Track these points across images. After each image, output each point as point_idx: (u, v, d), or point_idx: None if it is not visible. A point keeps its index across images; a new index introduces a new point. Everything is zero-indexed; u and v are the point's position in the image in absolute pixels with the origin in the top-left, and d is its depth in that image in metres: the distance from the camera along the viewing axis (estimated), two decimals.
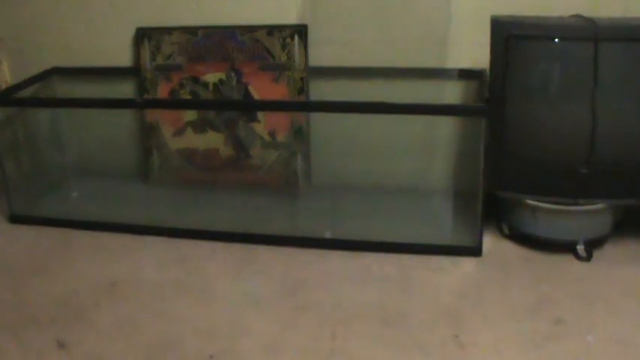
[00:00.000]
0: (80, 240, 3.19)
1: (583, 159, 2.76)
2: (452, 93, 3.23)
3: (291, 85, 3.27)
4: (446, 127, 3.26)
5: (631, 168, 2.79)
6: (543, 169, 2.83)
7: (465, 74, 3.18)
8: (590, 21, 2.70)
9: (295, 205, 3.43)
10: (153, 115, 3.48)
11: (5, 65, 3.60)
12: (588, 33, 2.64)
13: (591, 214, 2.86)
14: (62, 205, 3.51)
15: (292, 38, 3.23)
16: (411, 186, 3.40)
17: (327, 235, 3.07)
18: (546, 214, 2.86)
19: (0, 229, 3.34)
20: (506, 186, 2.90)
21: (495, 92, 2.80)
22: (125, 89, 3.53)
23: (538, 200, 2.86)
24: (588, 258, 2.87)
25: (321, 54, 3.27)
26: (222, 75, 3.34)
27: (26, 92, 3.40)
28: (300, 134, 3.36)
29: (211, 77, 3.35)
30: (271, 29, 3.25)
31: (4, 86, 3.51)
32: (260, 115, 3.36)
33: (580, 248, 2.88)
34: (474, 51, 3.10)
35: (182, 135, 3.45)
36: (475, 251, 2.94)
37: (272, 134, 3.37)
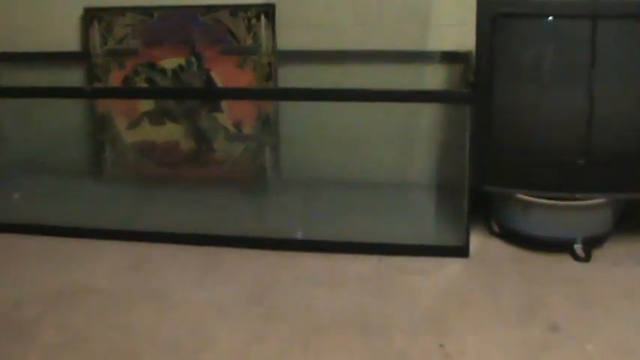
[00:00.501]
0: (24, 246, 3.11)
1: (580, 148, 2.73)
2: (434, 78, 3.19)
3: (258, 71, 3.22)
4: (428, 115, 3.22)
5: (633, 158, 2.76)
6: (536, 160, 2.79)
7: (449, 57, 3.15)
8: None
9: (264, 203, 3.38)
10: (105, 105, 3.40)
11: None
12: (585, 10, 2.60)
13: (590, 210, 2.82)
14: (3, 207, 3.43)
15: (258, 19, 3.17)
16: (390, 180, 3.36)
17: (299, 235, 3.02)
18: (540, 210, 2.82)
19: None
20: (494, 180, 2.86)
21: (482, 77, 2.75)
22: (74, 77, 3.45)
23: (530, 195, 2.82)
24: (587, 258, 2.83)
25: (291, 36, 3.22)
26: (181, 60, 3.28)
27: None
28: (268, 125, 3.30)
29: (169, 63, 3.29)
30: (235, 9, 3.19)
31: None
32: (224, 104, 3.30)
33: (578, 247, 2.84)
34: (458, 32, 3.06)
35: (138, 127, 3.38)
36: (461, 251, 2.89)
37: (237, 125, 3.31)
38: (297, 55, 3.24)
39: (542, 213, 2.83)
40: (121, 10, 3.27)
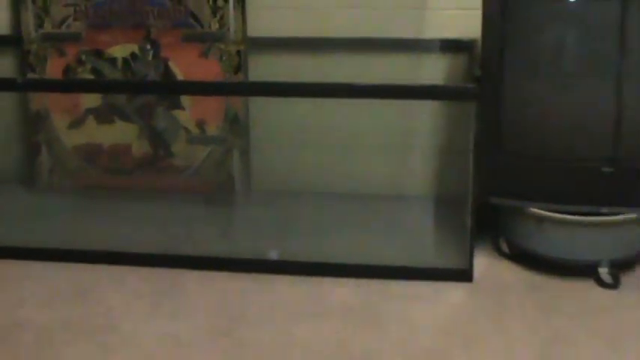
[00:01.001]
0: None
1: (606, 154, 2.53)
2: (433, 70, 3.01)
3: (225, 61, 3.01)
4: (426, 115, 3.03)
5: None
6: (552, 168, 2.59)
7: (451, 46, 2.97)
8: None
9: (231, 218, 3.16)
10: (41, 100, 3.17)
11: None
12: None
13: (617, 227, 2.61)
14: None
15: (226, 0, 2.96)
16: (381, 191, 3.16)
17: (272, 255, 2.81)
18: (557, 227, 2.61)
19: None
20: (503, 190, 2.66)
21: (489, 69, 2.55)
22: (2, 66, 3.23)
23: (545, 209, 2.61)
24: (615, 284, 2.63)
25: (265, 21, 3.01)
26: (134, 47, 3.07)
27: None
28: (236, 125, 3.10)
29: (120, 50, 3.08)
30: None
31: None
32: (185, 100, 3.08)
33: (603, 272, 2.64)
34: (461, 16, 2.90)
35: (81, 127, 3.16)
36: (464, 275, 2.69)
37: (200, 125, 3.10)
38: (272, 42, 3.04)
39: (560, 231, 2.62)
40: None
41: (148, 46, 3.04)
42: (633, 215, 2.60)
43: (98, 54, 3.08)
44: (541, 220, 2.62)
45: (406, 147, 3.10)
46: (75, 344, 2.41)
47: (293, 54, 3.04)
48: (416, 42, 2.96)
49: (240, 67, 3.01)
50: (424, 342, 2.42)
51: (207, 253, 2.81)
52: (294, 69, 3.01)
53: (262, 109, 3.08)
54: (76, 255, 2.83)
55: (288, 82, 2.71)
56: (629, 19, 2.38)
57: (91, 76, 3.10)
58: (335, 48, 3.00)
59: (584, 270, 2.67)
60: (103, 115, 3.12)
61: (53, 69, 3.10)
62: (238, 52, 3.00)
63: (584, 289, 2.64)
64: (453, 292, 2.67)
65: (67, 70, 3.10)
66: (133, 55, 3.06)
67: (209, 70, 3.01)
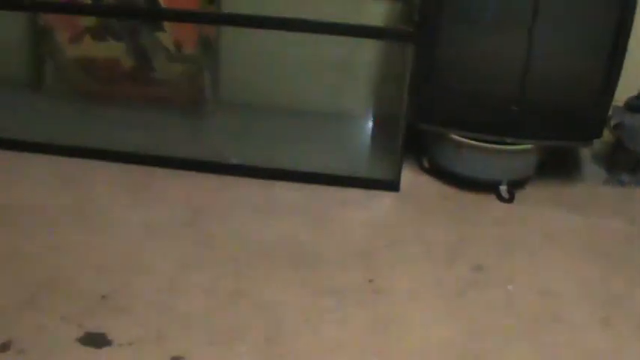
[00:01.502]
0: None
1: (515, 95, 2.52)
2: (375, 10, 2.88)
3: None
4: (369, 48, 2.93)
5: (563, 108, 2.57)
6: (472, 103, 2.57)
7: None
8: None
9: (200, 125, 3.05)
10: (46, 17, 2.99)
11: None
12: None
13: (518, 155, 2.63)
14: None
15: None
16: (327, 108, 3.06)
17: (233, 160, 2.73)
18: (471, 151, 2.61)
19: None
20: (430, 118, 2.62)
21: (426, 15, 2.48)
22: None
23: (464, 136, 2.60)
24: (511, 199, 2.65)
25: None
26: None
27: None
28: (208, 47, 2.98)
29: None
30: None
31: None
32: (166, 24, 2.93)
33: (503, 189, 2.66)
34: None
35: (80, 42, 2.98)
36: (393, 186, 2.67)
37: (178, 45, 2.96)
38: None
39: (473, 154, 2.61)
40: None
41: None
42: (530, 146, 2.62)
43: None
44: (459, 145, 2.61)
45: (350, 73, 3.00)
46: (69, 227, 2.37)
47: None
48: None
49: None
50: (358, 239, 2.45)
51: (179, 155, 2.72)
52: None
53: (231, 34, 2.96)
54: (70, 150, 2.72)
55: (253, 15, 2.57)
56: None
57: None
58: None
59: (488, 187, 2.68)
60: (98, 34, 2.96)
61: None
62: None
63: (486, 202, 2.66)
64: (383, 199, 2.67)
65: None
66: None
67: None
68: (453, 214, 2.59)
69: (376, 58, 2.98)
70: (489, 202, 2.66)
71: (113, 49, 2.98)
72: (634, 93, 2.79)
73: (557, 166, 2.85)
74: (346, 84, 3.02)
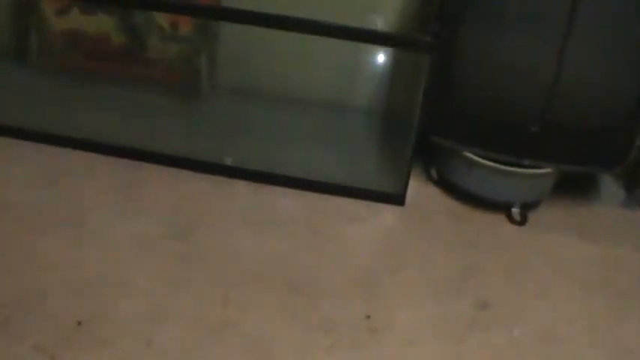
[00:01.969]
0: None
1: (536, 115, 2.30)
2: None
3: None
4: (384, 51, 2.68)
5: (587, 131, 2.35)
6: (489, 120, 2.35)
7: None
8: None
9: (194, 114, 2.80)
10: None
11: None
12: None
13: (534, 178, 2.43)
14: None
15: None
16: (331, 100, 2.82)
17: (228, 161, 2.53)
18: (484, 171, 2.41)
19: None
20: (443, 132, 2.41)
21: (446, 24, 2.24)
22: None
23: (477, 154, 2.40)
24: (522, 222, 2.47)
25: None
26: None
27: None
28: (207, 30, 2.73)
29: None
30: None
31: None
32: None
33: (515, 211, 2.48)
34: None
35: (67, 14, 2.73)
36: (398, 199, 2.47)
37: (174, 25, 2.71)
38: None
39: (486, 174, 2.41)
40: None
41: None
42: (548, 170, 2.42)
43: None
44: (472, 163, 2.41)
45: (362, 69, 2.77)
46: (50, 233, 2.18)
47: None
48: None
49: None
50: (359, 263, 2.27)
51: (171, 151, 2.51)
52: None
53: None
54: (51, 138, 2.50)
55: (256, 12, 2.29)
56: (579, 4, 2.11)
57: None
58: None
59: (499, 206, 2.50)
60: (86, 7, 2.69)
61: None
62: None
63: (497, 223, 2.48)
64: (387, 214, 2.47)
65: None
66: None
67: None
68: (460, 236, 2.40)
69: (391, 59, 2.73)
70: (500, 223, 2.48)
71: (103, 24, 2.72)
72: None
73: (573, 183, 2.64)
74: (355, 79, 2.78)
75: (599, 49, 2.22)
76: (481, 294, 2.19)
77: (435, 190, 2.58)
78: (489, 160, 2.38)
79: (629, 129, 2.36)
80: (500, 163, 2.38)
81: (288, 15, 2.24)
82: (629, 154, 2.41)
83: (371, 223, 2.44)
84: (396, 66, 2.72)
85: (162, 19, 2.69)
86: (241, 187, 2.47)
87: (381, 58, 2.70)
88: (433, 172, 2.59)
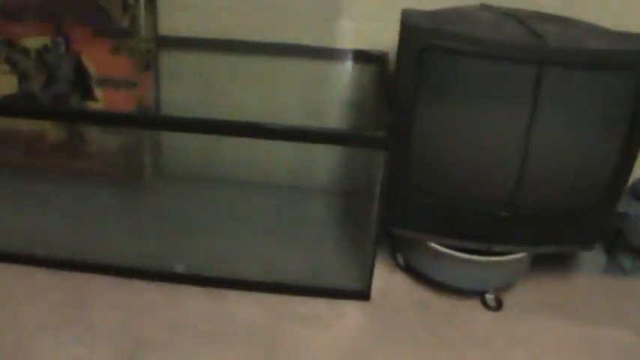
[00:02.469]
0: None
1: (505, 199, 2.11)
2: (345, 76, 2.45)
3: (135, 58, 2.40)
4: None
5: (561, 211, 2.17)
6: (454, 208, 2.16)
7: (362, 56, 2.41)
8: (536, 36, 1.95)
9: (141, 211, 2.57)
10: None
11: None
12: (532, 54, 1.91)
13: (507, 264, 2.23)
14: None
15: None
16: (289, 183, 2.62)
17: (179, 268, 2.31)
18: (452, 262, 2.21)
19: None
20: (404, 223, 2.21)
21: (402, 117, 2.03)
22: None
23: (443, 243, 2.20)
24: (498, 307, 2.28)
25: (176, 21, 2.39)
26: (46, 40, 2.41)
27: None
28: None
29: (33, 42, 2.42)
30: None
31: None
32: (98, 91, 2.46)
33: (489, 297, 2.28)
34: (374, 29, 2.35)
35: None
36: (363, 295, 2.27)
37: None
38: (183, 42, 2.43)
39: (455, 265, 2.21)
40: None
41: (60, 39, 2.40)
42: (522, 254, 2.23)
43: (11, 44, 2.43)
44: (438, 254, 2.21)
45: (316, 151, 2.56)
46: None
47: (204, 54, 2.44)
48: (328, 51, 2.39)
49: (149, 65, 2.42)
50: None
51: (118, 260, 2.30)
52: (206, 66, 2.45)
53: (173, 98, 2.50)
54: None
55: (195, 118, 2.06)
56: (543, 83, 1.91)
57: (5, 66, 2.46)
58: (247, 50, 2.42)
59: (472, 293, 2.30)
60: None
61: None
62: (149, 50, 2.41)
63: (470, 311, 2.27)
64: (351, 313, 2.25)
65: None
66: (45, 47, 2.42)
67: (120, 65, 2.41)
68: (432, 332, 2.18)
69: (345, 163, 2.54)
70: (474, 310, 2.27)
71: (39, 123, 2.52)
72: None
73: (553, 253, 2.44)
74: (312, 160, 2.58)
75: (568, 125, 2.02)
76: None
77: (402, 278, 2.38)
78: (457, 249, 2.19)
79: (605, 205, 2.18)
80: (469, 251, 2.20)
81: (232, 120, 2.02)
82: (609, 229, 2.22)
83: (335, 325, 2.21)
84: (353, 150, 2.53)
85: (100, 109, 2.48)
86: (194, 294, 2.26)
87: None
88: (400, 258, 2.39)
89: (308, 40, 2.36)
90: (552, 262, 2.45)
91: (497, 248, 2.18)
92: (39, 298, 2.22)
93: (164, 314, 2.20)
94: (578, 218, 2.18)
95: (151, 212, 2.54)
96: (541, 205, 2.13)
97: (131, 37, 2.37)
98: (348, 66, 2.40)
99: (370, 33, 2.33)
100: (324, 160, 2.57)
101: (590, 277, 2.45)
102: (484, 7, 2.16)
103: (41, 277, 2.28)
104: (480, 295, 2.29)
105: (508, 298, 2.31)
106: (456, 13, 2.07)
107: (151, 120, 2.30)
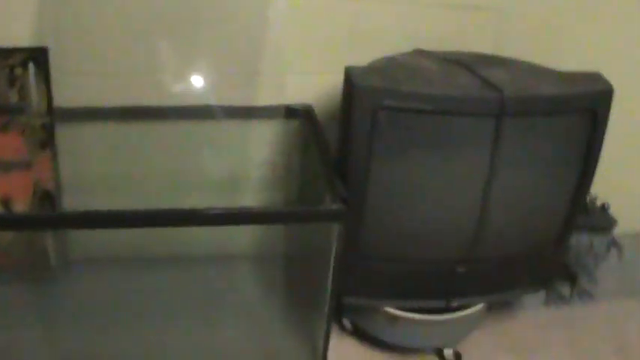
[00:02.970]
0: None
1: (461, 256, 1.99)
2: (268, 136, 2.22)
3: (29, 136, 2.06)
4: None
5: (513, 259, 2.08)
6: (411, 271, 2.01)
7: (285, 112, 2.18)
8: (491, 86, 1.83)
9: (49, 302, 2.21)
10: None
11: None
12: (492, 105, 1.78)
13: (466, 319, 2.11)
14: None
15: (25, 68, 1.99)
16: (216, 252, 2.34)
17: None
18: (408, 324, 2.06)
19: None
20: (358, 291, 2.03)
21: (354, 184, 1.84)
22: None
23: (397, 306, 2.05)
24: None
25: (72, 89, 2.04)
26: None
27: None
28: (48, 202, 2.16)
29: None
30: None
31: None
32: None
33: (448, 353, 2.16)
34: (296, 83, 2.14)
35: None
36: None
37: (6, 203, 2.12)
38: (82, 112, 2.10)
39: (411, 326, 2.07)
40: None
41: None
42: (480, 305, 2.12)
43: None
44: (393, 318, 2.06)
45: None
46: None
47: (108, 123, 2.12)
48: (247, 109, 2.16)
49: (47, 142, 2.08)
50: None
51: None
52: (109, 141, 2.14)
53: (75, 180, 2.16)
54: None
55: (111, 211, 1.73)
56: (500, 139, 1.80)
57: None
58: (154, 116, 2.13)
59: (429, 351, 2.18)
60: None
61: None
62: (44, 126, 2.06)
63: None
64: None
65: None
66: None
67: (11, 144, 2.05)
68: None
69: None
70: None
71: None
72: None
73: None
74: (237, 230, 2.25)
75: (525, 173, 1.93)
76: None
77: (353, 342, 2.21)
78: (413, 310, 2.05)
79: (555, 252, 2.12)
80: (425, 310, 2.06)
81: (153, 210, 1.73)
82: (557, 274, 2.18)
83: None
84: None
85: None
86: None
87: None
88: (346, 323, 2.22)
89: (221, 99, 2.13)
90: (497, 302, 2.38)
91: (455, 303, 2.06)
92: None
93: None
94: (532, 262, 2.11)
95: (63, 307, 2.18)
96: (497, 255, 2.03)
97: (22, 112, 2.03)
98: (270, 124, 2.19)
99: (291, 85, 2.14)
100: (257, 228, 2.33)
101: (535, 311, 2.40)
102: (420, 54, 2.02)
103: None
104: (437, 351, 2.17)
105: (466, 348, 2.21)
106: (398, 65, 1.92)
107: (47, 220, 1.92)
